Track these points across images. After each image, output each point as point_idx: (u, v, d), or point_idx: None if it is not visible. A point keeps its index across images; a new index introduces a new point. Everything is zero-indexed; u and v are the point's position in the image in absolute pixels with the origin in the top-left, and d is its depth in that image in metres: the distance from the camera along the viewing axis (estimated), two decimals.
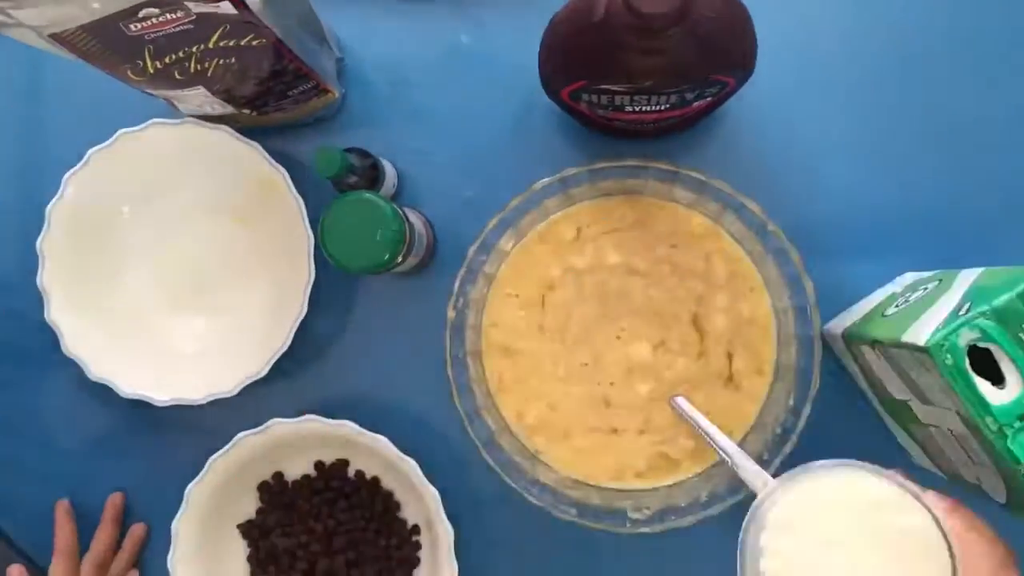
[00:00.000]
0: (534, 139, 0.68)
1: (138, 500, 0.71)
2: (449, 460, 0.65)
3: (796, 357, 0.60)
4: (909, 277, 0.61)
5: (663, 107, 0.56)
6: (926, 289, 0.53)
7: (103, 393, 0.65)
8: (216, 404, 0.65)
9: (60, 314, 0.65)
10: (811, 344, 0.59)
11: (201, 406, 0.65)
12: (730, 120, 0.66)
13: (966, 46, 0.64)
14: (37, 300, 0.65)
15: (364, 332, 0.69)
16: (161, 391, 0.65)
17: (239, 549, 0.68)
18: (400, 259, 0.59)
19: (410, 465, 0.62)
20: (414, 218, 0.62)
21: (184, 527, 0.64)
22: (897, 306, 0.54)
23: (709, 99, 0.56)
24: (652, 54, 0.47)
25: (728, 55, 0.51)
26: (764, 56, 0.54)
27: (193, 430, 0.68)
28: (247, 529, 0.68)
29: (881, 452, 0.63)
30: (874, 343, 0.52)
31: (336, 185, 0.61)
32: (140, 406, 0.65)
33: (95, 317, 0.67)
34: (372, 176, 0.62)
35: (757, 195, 0.60)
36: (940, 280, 0.53)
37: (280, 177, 0.63)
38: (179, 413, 0.65)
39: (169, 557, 0.64)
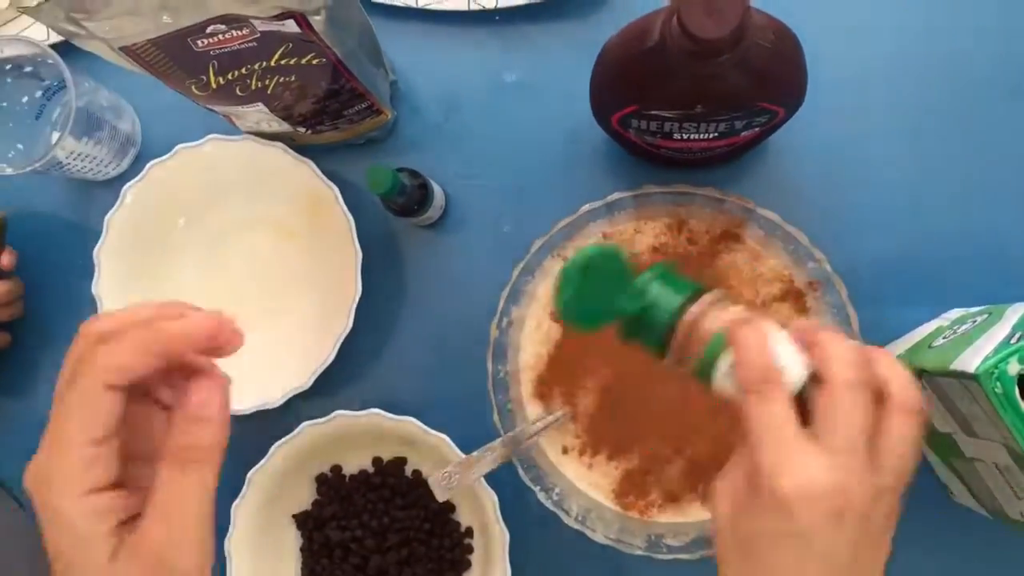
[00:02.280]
0: (580, 168, 0.69)
1: None
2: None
3: None
4: (956, 312, 0.60)
5: (711, 135, 0.56)
6: (975, 322, 0.53)
7: None
8: (258, 415, 0.66)
9: None
10: None
11: (244, 416, 0.66)
12: (775, 153, 0.66)
13: (1016, 85, 0.65)
14: (91, 308, 0.67)
15: (407, 350, 0.69)
16: None
17: (293, 539, 0.69)
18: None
19: None
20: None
21: (243, 512, 0.65)
22: (945, 338, 0.54)
23: (757, 129, 0.56)
24: (705, 79, 0.48)
25: (779, 84, 0.52)
26: (813, 90, 0.54)
27: (234, 438, 0.68)
28: (302, 520, 0.69)
29: (922, 488, 0.63)
30: (921, 373, 0.52)
31: (385, 203, 0.62)
32: None
33: None
34: (421, 196, 0.63)
35: (800, 227, 0.60)
36: (989, 313, 0.53)
37: (332, 194, 0.65)
38: None
39: (226, 540, 0.64)
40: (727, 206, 0.61)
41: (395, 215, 0.64)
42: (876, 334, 0.62)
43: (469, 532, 0.68)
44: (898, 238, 0.65)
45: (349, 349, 0.65)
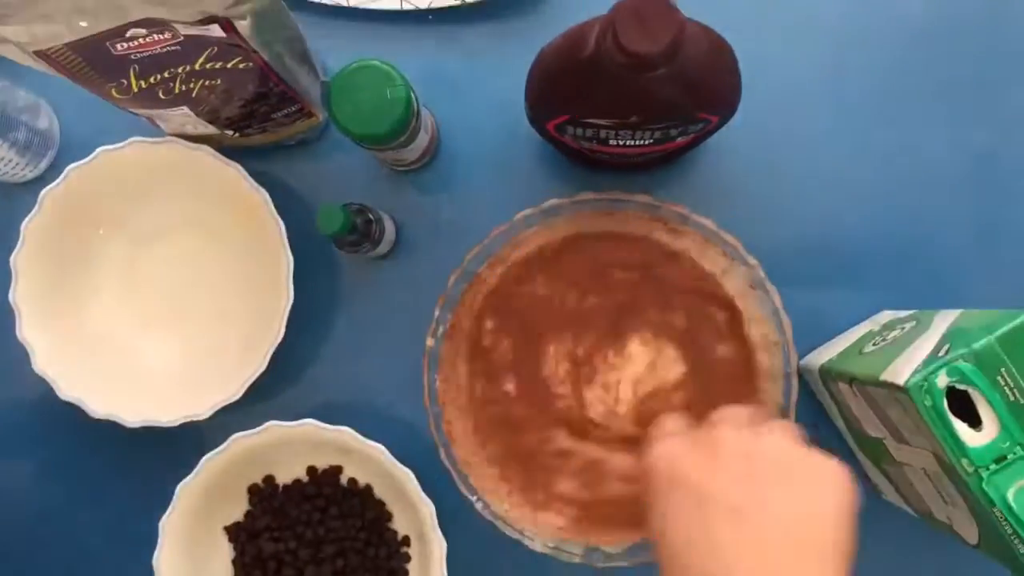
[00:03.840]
0: (518, 169, 0.68)
1: (102, 524, 0.69)
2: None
3: (771, 393, 0.61)
4: (886, 316, 0.61)
5: (647, 142, 0.56)
6: (903, 329, 0.54)
7: (72, 413, 0.64)
8: (188, 426, 0.64)
9: (32, 332, 0.64)
10: (788, 380, 0.59)
11: (172, 428, 0.64)
12: (712, 154, 0.66)
13: (944, 89, 0.66)
14: (9, 317, 0.64)
15: (342, 357, 0.68)
16: (132, 413, 0.64)
17: (225, 552, 0.67)
18: (411, 128, 0.58)
19: (407, 475, 0.61)
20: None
21: (171, 526, 0.63)
22: (875, 344, 0.55)
23: (692, 135, 0.56)
24: (639, 92, 0.48)
25: (713, 94, 0.52)
26: (747, 92, 0.54)
27: (162, 451, 0.67)
28: (234, 532, 0.67)
29: None
30: (852, 380, 0.53)
31: (336, 243, 0.61)
32: (110, 427, 0.64)
33: (68, 336, 0.66)
34: (371, 232, 0.62)
35: (737, 228, 0.60)
36: (917, 320, 0.54)
37: (261, 199, 0.63)
38: (149, 435, 0.64)
39: (155, 556, 0.62)
40: (662, 212, 0.60)
41: (342, 251, 0.63)
42: (808, 337, 0.63)
43: (406, 541, 0.67)
44: (830, 236, 0.66)
45: (281, 357, 0.64)
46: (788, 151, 0.66)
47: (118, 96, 0.56)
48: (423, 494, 0.61)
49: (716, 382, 0.62)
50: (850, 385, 0.54)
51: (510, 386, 0.63)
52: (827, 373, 0.58)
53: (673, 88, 0.47)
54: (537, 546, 0.60)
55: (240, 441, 0.63)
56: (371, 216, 0.62)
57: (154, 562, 0.62)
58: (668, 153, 0.61)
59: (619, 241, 0.63)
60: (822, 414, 0.65)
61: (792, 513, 0.43)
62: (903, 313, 0.60)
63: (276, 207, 0.63)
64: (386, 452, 0.61)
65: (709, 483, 0.44)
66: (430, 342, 0.61)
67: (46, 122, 0.69)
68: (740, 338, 0.62)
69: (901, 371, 0.46)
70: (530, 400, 0.63)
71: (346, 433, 0.62)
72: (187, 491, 0.63)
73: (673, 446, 0.48)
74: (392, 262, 0.68)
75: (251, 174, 0.64)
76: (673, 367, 0.62)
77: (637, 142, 0.56)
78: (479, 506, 0.60)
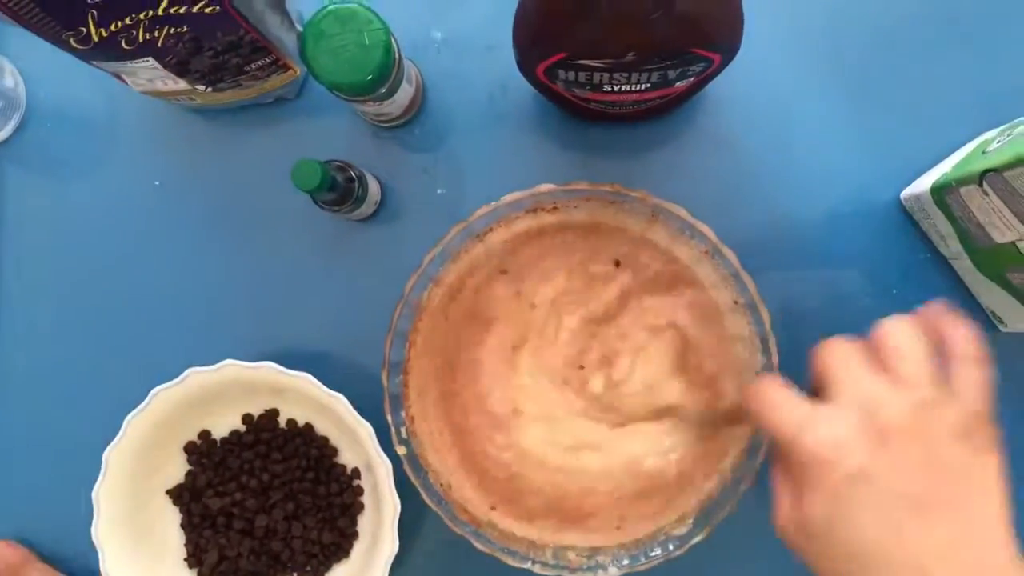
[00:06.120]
0: (508, 125, 0.64)
1: None
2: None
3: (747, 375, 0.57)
4: (993, 132, 0.58)
5: (644, 86, 0.53)
6: None
7: None
8: (111, 385, 0.62)
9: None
10: (770, 371, 0.55)
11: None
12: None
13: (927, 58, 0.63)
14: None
15: (319, 314, 0.65)
16: None
17: (173, 517, 0.64)
18: (392, 76, 0.55)
19: (339, 401, 0.58)
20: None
21: (105, 495, 0.59)
22: (999, 142, 0.53)
23: (692, 79, 0.53)
24: (635, 22, 0.44)
25: (713, 27, 0.48)
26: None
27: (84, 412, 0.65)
28: (177, 494, 0.64)
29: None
30: (984, 174, 0.51)
31: (316, 201, 0.58)
32: None
33: None
34: (353, 191, 0.58)
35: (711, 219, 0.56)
36: None
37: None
38: None
39: (93, 528, 0.59)
40: (629, 201, 0.56)
41: (323, 210, 0.59)
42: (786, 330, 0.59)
43: (356, 473, 0.64)
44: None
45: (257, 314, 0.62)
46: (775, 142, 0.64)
47: (78, 47, 0.52)
48: (359, 418, 0.58)
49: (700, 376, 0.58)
50: (980, 184, 0.52)
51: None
52: (943, 188, 0.56)
53: (671, 17, 0.44)
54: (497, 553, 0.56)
55: (162, 394, 0.59)
56: (353, 174, 0.59)
57: (93, 535, 0.59)
58: (666, 102, 0.57)
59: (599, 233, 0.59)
60: (922, 248, 0.63)
61: (971, 510, 0.40)
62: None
63: (253, 169, 0.59)
64: (312, 379, 0.58)
65: (888, 476, 0.40)
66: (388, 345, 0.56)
67: (11, 82, 0.65)
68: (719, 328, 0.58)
69: None
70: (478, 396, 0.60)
71: (269, 368, 0.59)
72: (115, 455, 0.59)
73: (838, 430, 0.40)
74: (377, 223, 0.64)
75: (224, 134, 0.60)
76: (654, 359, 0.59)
77: (633, 87, 0.53)
78: (449, 522, 0.56)
